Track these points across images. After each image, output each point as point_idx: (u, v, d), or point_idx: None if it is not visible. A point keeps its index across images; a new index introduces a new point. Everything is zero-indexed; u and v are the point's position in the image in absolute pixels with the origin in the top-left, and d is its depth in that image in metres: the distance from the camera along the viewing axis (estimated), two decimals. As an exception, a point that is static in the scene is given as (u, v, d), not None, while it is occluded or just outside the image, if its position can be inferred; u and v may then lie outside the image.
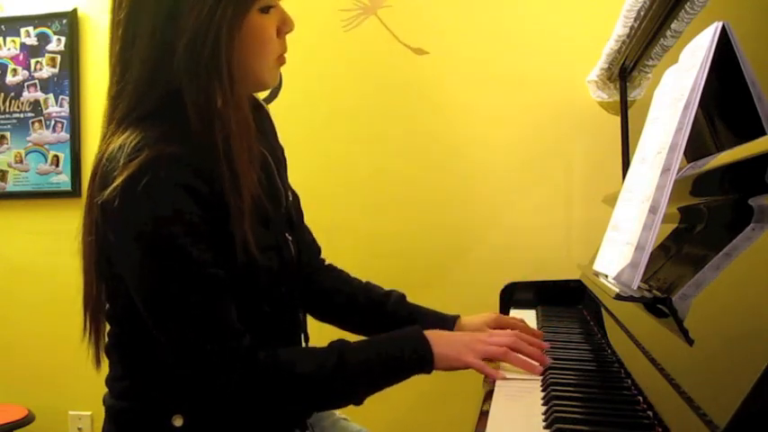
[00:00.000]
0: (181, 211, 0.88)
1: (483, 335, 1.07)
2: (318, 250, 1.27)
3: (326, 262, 1.30)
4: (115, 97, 0.96)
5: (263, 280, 0.99)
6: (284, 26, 0.98)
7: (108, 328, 1.04)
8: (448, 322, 1.20)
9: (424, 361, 0.98)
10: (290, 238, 1.08)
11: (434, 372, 1.00)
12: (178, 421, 0.96)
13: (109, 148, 0.93)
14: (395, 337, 1.01)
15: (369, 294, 1.23)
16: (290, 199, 1.13)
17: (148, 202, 0.87)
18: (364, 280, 1.28)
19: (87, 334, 1.03)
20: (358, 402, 0.99)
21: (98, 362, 1.05)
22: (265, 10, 0.95)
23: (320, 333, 1.16)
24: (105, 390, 1.06)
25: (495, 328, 1.18)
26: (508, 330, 1.11)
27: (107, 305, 1.02)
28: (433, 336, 1.00)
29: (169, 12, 0.90)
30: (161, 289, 0.89)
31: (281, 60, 1.00)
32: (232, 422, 0.98)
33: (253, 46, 0.95)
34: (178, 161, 0.89)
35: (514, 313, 1.60)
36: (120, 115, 0.95)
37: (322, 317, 1.26)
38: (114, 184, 0.87)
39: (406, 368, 0.98)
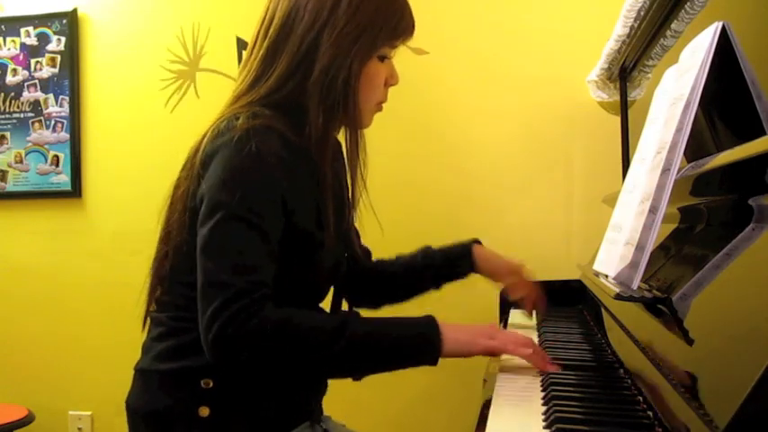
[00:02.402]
0: (272, 181, 0.99)
1: (496, 327, 1.11)
2: (370, 254, 1.38)
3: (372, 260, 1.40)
4: (241, 93, 1.08)
5: (317, 280, 1.07)
6: (391, 78, 1.13)
7: (158, 293, 1.10)
8: (465, 248, 1.34)
9: (429, 345, 0.97)
10: (345, 253, 1.19)
11: (436, 370, 0.99)
12: (207, 384, 1.01)
13: (225, 115, 1.04)
14: (405, 319, 1.02)
15: (402, 263, 1.36)
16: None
17: (253, 160, 0.97)
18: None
19: (148, 288, 1.11)
20: (357, 376, 0.99)
21: (144, 322, 1.13)
22: (382, 59, 1.10)
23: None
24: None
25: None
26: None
27: (176, 267, 1.06)
28: (446, 325, 1.00)
29: (314, 38, 1.04)
30: (221, 223, 0.96)
31: (379, 107, 1.13)
32: (251, 385, 1.01)
33: (365, 88, 1.08)
34: (287, 142, 1.01)
35: (515, 313, 1.61)
36: (243, 102, 1.06)
37: (377, 303, 1.37)
38: (231, 133, 0.98)
39: (410, 349, 0.98)
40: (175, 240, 1.05)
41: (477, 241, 1.37)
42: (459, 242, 1.37)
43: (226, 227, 0.96)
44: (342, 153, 1.17)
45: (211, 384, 1.01)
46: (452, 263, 1.34)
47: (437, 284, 1.36)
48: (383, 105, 1.14)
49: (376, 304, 1.37)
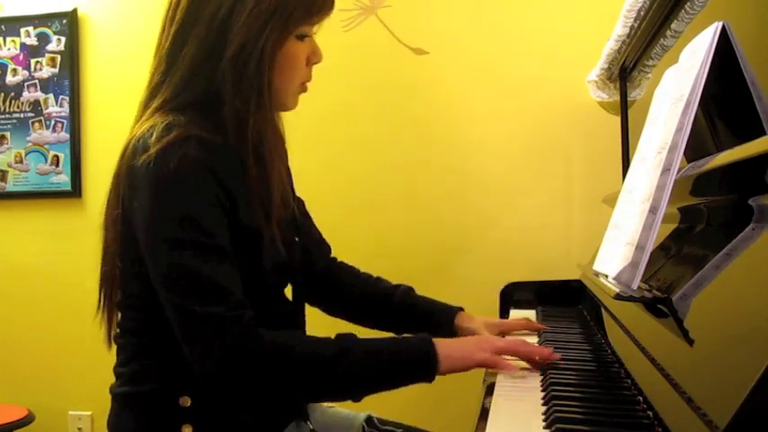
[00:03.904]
0: (203, 190, 0.95)
1: (490, 336, 1.08)
2: (329, 249, 1.31)
3: (337, 260, 1.34)
4: (155, 88, 1.03)
5: (269, 275, 1.03)
6: (313, 56, 1.07)
7: (119, 316, 1.08)
8: (449, 312, 1.25)
9: (427, 363, 0.97)
10: (296, 239, 1.14)
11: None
12: (186, 402, 0.99)
13: (140, 129, 0.99)
14: (401, 338, 1.02)
15: (377, 288, 1.29)
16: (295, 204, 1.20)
17: (176, 177, 0.93)
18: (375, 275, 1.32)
19: (100, 312, 1.08)
20: (356, 398, 0.98)
21: (109, 341, 1.10)
22: (301, 38, 1.03)
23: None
24: (106, 388, 1.07)
25: (496, 333, 1.25)
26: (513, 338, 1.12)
27: (119, 292, 1.05)
28: (441, 342, 1.00)
29: (222, 22, 0.98)
30: (173, 254, 0.93)
31: (303, 87, 1.08)
32: (234, 400, 0.99)
33: (284, 69, 1.02)
34: (207, 145, 0.96)
35: (514, 313, 1.61)
36: (156, 104, 1.02)
37: (332, 311, 1.31)
38: (147, 154, 0.94)
39: (408, 367, 0.98)
40: (110, 265, 1.04)
41: (461, 309, 1.28)
42: (443, 304, 1.29)
43: (179, 257, 0.92)
44: (282, 141, 1.14)
45: (189, 402, 0.99)
46: (431, 321, 1.26)
47: (400, 330, 1.26)
48: (308, 85, 1.09)
49: (329, 311, 1.30)
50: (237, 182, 0.99)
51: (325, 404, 1.24)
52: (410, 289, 1.29)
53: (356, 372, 0.95)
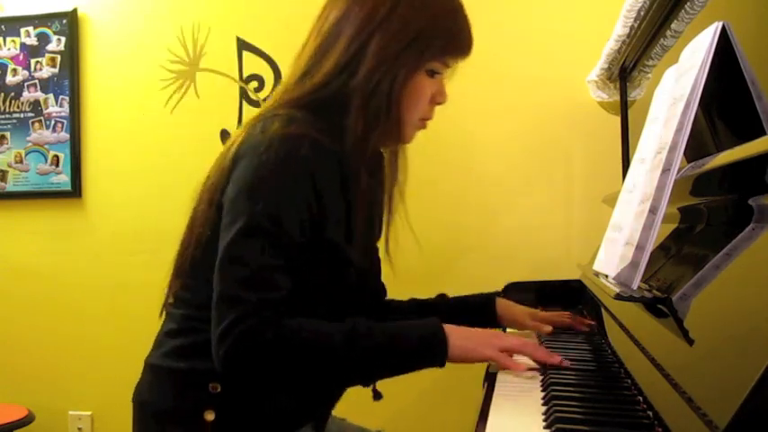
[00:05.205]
0: (299, 190, 0.97)
1: (500, 333, 1.09)
2: (385, 292, 1.33)
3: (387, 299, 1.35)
4: (289, 87, 1.07)
5: (340, 292, 1.05)
6: (439, 96, 1.10)
7: (177, 287, 1.09)
8: (489, 300, 1.30)
9: (437, 346, 0.97)
10: (372, 265, 1.18)
11: (436, 370, 1.00)
12: (215, 388, 1.00)
13: (267, 111, 1.04)
14: (412, 324, 1.02)
15: (420, 303, 1.32)
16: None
17: (280, 168, 0.96)
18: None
19: (170, 278, 1.10)
20: (366, 382, 0.99)
21: (164, 308, 1.12)
22: (431, 74, 1.08)
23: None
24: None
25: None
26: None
27: (189, 259, 1.06)
28: (451, 328, 1.00)
29: (363, 40, 1.02)
30: (244, 236, 0.95)
31: (422, 124, 1.11)
32: (257, 392, 1.01)
33: (410, 98, 1.05)
34: (320, 150, 0.98)
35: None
36: (285, 99, 1.05)
37: None
38: (262, 136, 0.97)
39: (419, 352, 0.98)
40: (197, 232, 1.05)
41: (498, 294, 1.33)
42: (480, 293, 1.33)
43: (244, 238, 0.95)
44: (382, 169, 1.16)
45: (219, 389, 1.00)
46: (474, 311, 1.30)
47: None
48: (427, 123, 1.12)
49: None
50: (335, 194, 1.01)
51: (337, 416, 1.24)
52: (443, 294, 1.33)
53: (367, 355, 0.96)
